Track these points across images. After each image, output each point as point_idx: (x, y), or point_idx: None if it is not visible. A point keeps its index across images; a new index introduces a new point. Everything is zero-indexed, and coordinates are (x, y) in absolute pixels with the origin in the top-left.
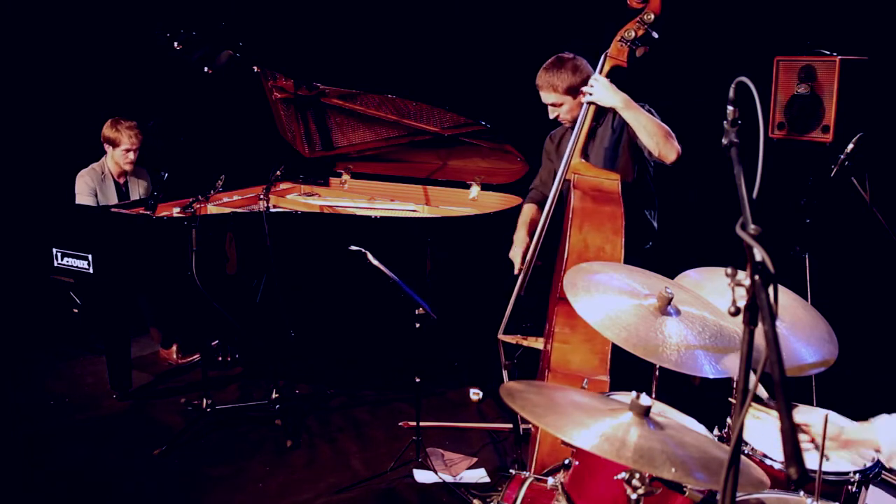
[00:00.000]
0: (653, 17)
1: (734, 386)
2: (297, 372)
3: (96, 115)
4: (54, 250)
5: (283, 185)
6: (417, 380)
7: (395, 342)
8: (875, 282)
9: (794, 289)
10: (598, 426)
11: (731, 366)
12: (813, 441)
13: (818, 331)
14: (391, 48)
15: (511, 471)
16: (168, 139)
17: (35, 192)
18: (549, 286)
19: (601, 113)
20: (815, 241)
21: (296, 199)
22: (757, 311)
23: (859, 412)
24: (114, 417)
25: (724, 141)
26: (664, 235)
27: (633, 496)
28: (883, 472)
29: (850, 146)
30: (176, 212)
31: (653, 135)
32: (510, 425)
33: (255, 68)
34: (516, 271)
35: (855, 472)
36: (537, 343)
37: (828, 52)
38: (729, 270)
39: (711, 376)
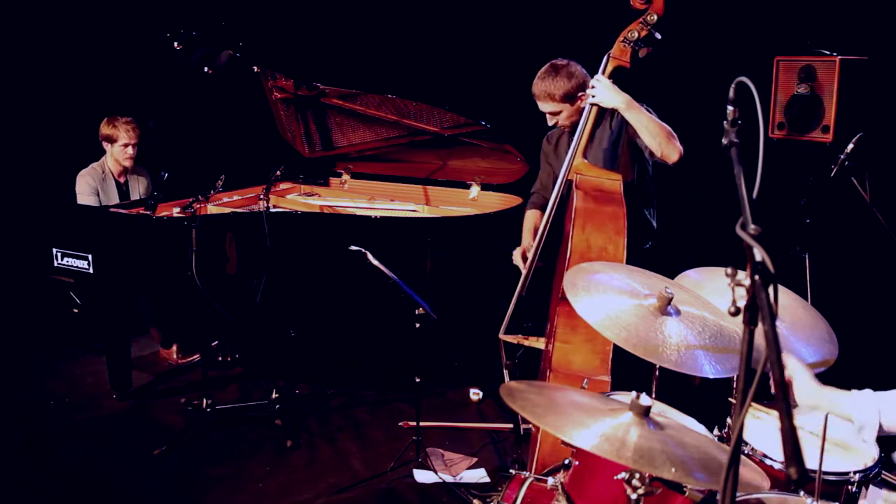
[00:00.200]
0: (656, 17)
1: (734, 386)
2: (297, 372)
3: (96, 116)
4: (54, 250)
5: (283, 185)
6: (417, 380)
7: (395, 342)
8: (875, 282)
9: (794, 289)
10: (598, 426)
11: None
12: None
13: (818, 331)
14: (391, 48)
15: (511, 471)
16: (168, 139)
17: (35, 192)
18: (550, 286)
19: (601, 114)
20: (815, 241)
21: (296, 199)
22: (757, 311)
23: None
24: (114, 417)
25: (724, 141)
26: (664, 235)
27: (633, 496)
28: (883, 472)
29: (850, 146)
30: (176, 212)
31: (655, 135)
32: (510, 425)
33: (255, 68)
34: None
35: (855, 472)
36: (538, 343)
37: (828, 52)
38: (729, 270)
39: (711, 376)
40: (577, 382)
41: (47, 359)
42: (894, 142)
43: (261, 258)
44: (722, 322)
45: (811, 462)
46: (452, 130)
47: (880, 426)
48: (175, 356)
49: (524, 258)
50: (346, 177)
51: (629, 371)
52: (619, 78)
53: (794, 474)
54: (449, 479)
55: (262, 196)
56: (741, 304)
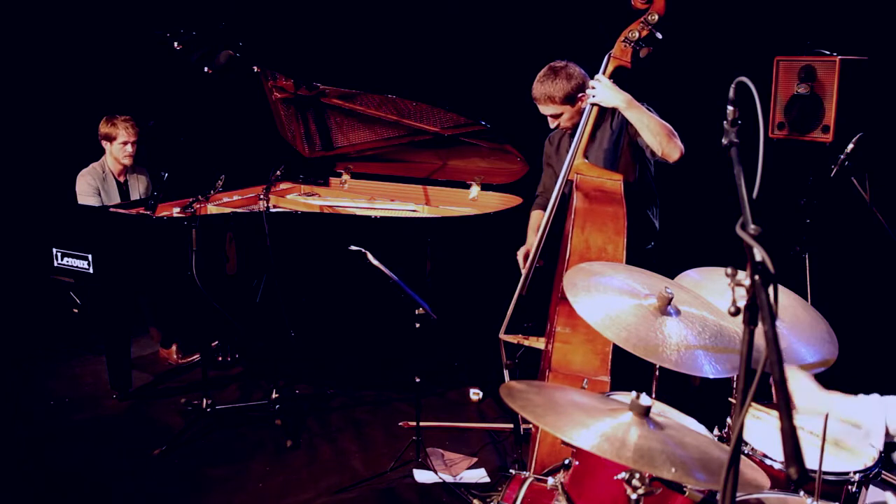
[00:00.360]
0: (657, 17)
1: (734, 386)
2: (297, 372)
3: (96, 115)
4: (54, 250)
5: (283, 185)
6: (417, 380)
7: (395, 342)
8: (875, 282)
9: (794, 289)
10: (598, 426)
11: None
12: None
13: (818, 331)
14: (391, 48)
15: (511, 471)
16: (168, 139)
17: (35, 192)
18: (550, 286)
19: (602, 114)
20: (815, 241)
21: (296, 199)
22: (757, 311)
23: None
24: (114, 417)
25: (724, 141)
26: (664, 235)
27: (633, 496)
28: (883, 472)
29: (850, 146)
30: (176, 212)
31: (656, 134)
32: (510, 425)
33: (255, 68)
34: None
35: (855, 472)
36: (538, 343)
37: (828, 52)
38: (729, 270)
39: (711, 376)
40: (577, 383)
41: (47, 359)
42: (894, 142)
43: (261, 258)
44: (722, 322)
45: (811, 462)
46: (452, 130)
47: (887, 431)
48: (175, 356)
49: (526, 258)
50: (346, 177)
51: (629, 371)
52: (620, 78)
53: (794, 474)
54: (449, 479)
55: (262, 196)
56: (741, 304)
